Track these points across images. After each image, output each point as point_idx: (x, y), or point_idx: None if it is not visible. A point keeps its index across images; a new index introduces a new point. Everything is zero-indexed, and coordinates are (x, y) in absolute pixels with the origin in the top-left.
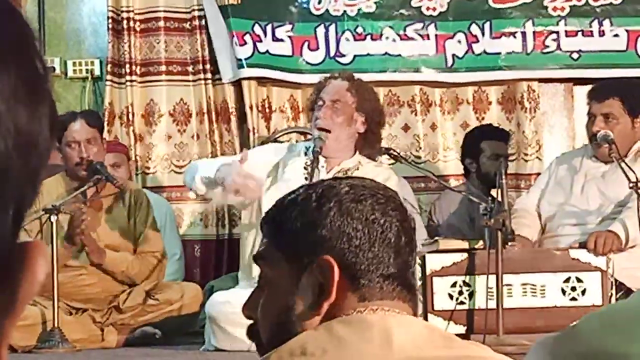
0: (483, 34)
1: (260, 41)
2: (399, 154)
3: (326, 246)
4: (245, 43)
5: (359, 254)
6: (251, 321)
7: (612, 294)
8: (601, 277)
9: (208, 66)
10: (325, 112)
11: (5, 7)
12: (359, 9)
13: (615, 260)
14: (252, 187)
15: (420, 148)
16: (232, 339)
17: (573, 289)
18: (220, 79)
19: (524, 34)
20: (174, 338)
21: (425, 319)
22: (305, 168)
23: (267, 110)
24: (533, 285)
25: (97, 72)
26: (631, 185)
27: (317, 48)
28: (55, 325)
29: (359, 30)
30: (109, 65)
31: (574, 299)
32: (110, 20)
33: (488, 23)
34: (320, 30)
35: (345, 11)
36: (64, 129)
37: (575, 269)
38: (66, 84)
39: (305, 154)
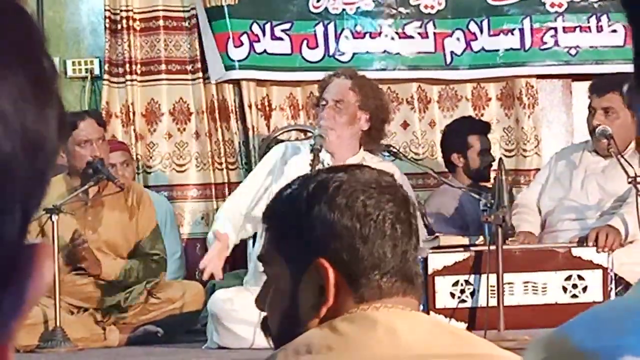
0: (481, 32)
1: (258, 40)
2: (398, 150)
3: (321, 247)
4: (242, 44)
5: (354, 253)
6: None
7: (611, 288)
8: (602, 274)
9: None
10: (329, 112)
11: (14, 7)
12: (357, 7)
13: (615, 255)
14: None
15: (420, 145)
16: (234, 336)
17: (574, 286)
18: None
19: (522, 30)
20: (175, 336)
21: None
22: (310, 165)
23: (267, 108)
24: (534, 283)
25: (96, 72)
26: (630, 180)
27: (317, 46)
28: (57, 324)
29: (358, 28)
30: (106, 65)
31: (574, 296)
32: (107, 20)
33: (486, 20)
34: (319, 29)
35: (344, 9)
36: (74, 127)
37: (577, 267)
38: (65, 84)
39: (311, 151)
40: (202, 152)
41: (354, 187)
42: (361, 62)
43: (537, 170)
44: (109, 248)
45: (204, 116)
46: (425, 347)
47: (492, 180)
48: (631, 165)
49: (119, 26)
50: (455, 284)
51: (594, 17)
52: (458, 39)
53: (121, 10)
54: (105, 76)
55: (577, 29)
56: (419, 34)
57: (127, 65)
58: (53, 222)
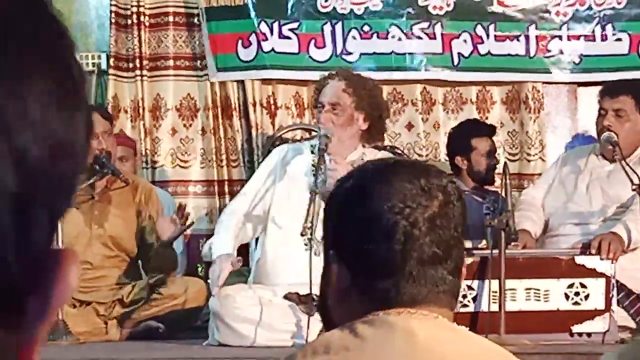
0: (488, 36)
1: (266, 39)
2: (402, 151)
3: (338, 243)
4: (250, 44)
5: (367, 254)
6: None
7: (613, 295)
8: (605, 282)
9: None
10: (326, 117)
11: (43, 10)
12: (365, 8)
13: (617, 262)
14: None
15: (424, 147)
16: (235, 334)
17: (576, 294)
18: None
19: (527, 37)
20: (177, 332)
21: None
22: (313, 166)
23: (273, 106)
24: (537, 289)
25: (103, 66)
26: (634, 187)
27: (324, 46)
28: (60, 317)
29: (366, 28)
30: (112, 59)
31: (576, 303)
32: (113, 15)
33: (492, 25)
34: (327, 28)
35: (352, 9)
36: None
37: (580, 275)
38: None
39: (312, 152)
40: (208, 148)
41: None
42: (368, 62)
43: (541, 175)
44: (113, 244)
45: (210, 113)
46: (446, 353)
47: (496, 184)
48: (635, 172)
49: (129, 21)
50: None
51: (599, 25)
52: (465, 41)
53: (132, 6)
54: (112, 71)
55: (582, 38)
56: (426, 34)
57: (137, 60)
58: None
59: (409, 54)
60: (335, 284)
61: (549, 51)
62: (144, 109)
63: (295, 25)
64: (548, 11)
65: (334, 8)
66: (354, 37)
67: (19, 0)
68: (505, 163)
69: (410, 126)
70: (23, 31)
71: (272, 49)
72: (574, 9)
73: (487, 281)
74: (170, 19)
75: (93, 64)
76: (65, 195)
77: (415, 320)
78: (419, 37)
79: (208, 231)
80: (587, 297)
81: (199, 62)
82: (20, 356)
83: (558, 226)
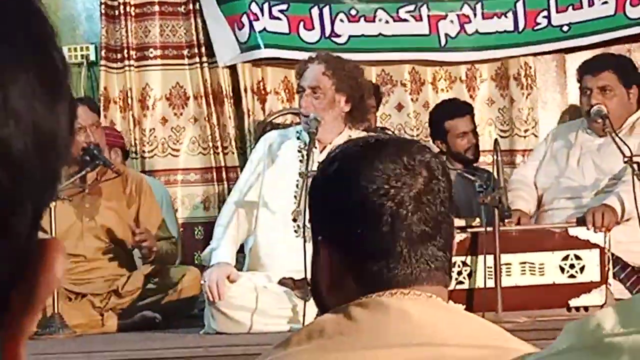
0: (475, 15)
1: (257, 19)
2: (393, 132)
3: (326, 229)
4: (243, 26)
5: (356, 238)
6: None
7: (609, 268)
8: (600, 254)
9: (204, 49)
10: (306, 100)
11: (26, 1)
12: None
13: (611, 235)
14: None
15: (414, 127)
16: (231, 321)
17: (572, 266)
18: (216, 62)
19: (515, 13)
20: (173, 321)
21: None
22: (299, 151)
23: (263, 92)
24: (532, 263)
25: (92, 58)
26: (625, 159)
27: (313, 28)
28: (55, 310)
29: (353, 12)
30: (103, 51)
31: (572, 276)
32: (103, 6)
33: (480, 4)
34: (315, 11)
35: None
36: None
37: (574, 247)
38: None
39: (298, 137)
40: (200, 137)
41: (353, 168)
42: (357, 44)
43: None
44: (106, 235)
45: (202, 101)
46: (441, 333)
47: (488, 161)
48: (626, 144)
49: (116, 12)
50: (452, 265)
51: None
52: (452, 21)
53: None
54: (102, 62)
55: (570, 8)
56: (412, 17)
57: (126, 51)
58: (50, 209)
59: (396, 35)
60: (327, 270)
61: (537, 24)
62: (132, 99)
63: (284, 7)
64: None
65: None
66: (341, 20)
67: None
68: (496, 140)
69: (400, 107)
70: (5, 22)
71: (264, 29)
72: None
73: (482, 257)
74: (157, 8)
75: (82, 55)
76: (49, 186)
77: (409, 301)
78: (406, 20)
79: (205, 219)
80: (582, 269)
81: (187, 50)
82: (6, 350)
83: (551, 201)
